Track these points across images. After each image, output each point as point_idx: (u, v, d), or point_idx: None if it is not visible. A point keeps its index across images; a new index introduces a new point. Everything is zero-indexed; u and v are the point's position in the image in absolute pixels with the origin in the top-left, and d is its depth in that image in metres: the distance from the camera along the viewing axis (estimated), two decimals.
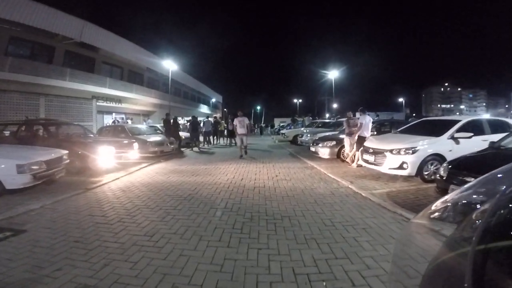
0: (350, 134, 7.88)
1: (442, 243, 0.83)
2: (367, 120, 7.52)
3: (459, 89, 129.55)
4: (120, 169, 7.51)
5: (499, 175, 1.11)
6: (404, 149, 5.67)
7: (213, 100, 54.14)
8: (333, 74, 26.60)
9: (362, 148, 6.81)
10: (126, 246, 3.02)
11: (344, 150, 8.26)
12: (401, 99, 54.86)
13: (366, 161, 6.44)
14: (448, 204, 1.08)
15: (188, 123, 13.82)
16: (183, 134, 14.07)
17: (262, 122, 51.07)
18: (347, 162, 8.02)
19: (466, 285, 0.58)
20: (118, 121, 16.41)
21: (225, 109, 63.96)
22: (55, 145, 6.60)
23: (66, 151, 6.28)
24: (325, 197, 4.82)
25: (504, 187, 0.84)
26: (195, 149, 13.14)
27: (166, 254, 2.81)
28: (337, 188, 5.43)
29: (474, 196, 1.05)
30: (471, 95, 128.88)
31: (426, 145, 5.68)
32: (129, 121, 18.67)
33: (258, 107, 71.73)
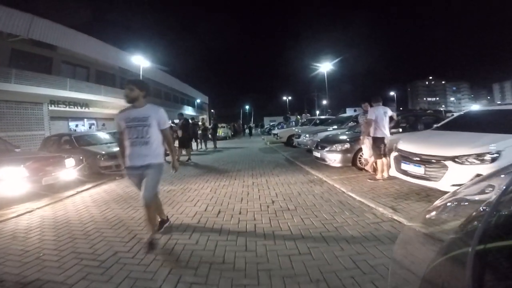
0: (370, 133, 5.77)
1: (441, 243, 0.81)
2: (380, 113, 5.33)
3: (443, 82, 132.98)
4: (45, 195, 5.17)
5: (502, 175, 1.08)
6: (475, 156, 3.53)
7: (198, 101, 51.39)
8: (324, 68, 24.64)
9: (397, 153, 4.65)
10: None
11: (361, 155, 6.11)
12: (392, 93, 53.91)
13: (406, 173, 4.28)
14: (447, 205, 1.09)
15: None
16: None
17: (252, 122, 48.45)
18: (367, 170, 5.89)
19: (466, 285, 0.57)
20: (73, 130, 13.84)
21: (212, 110, 61.30)
22: None
23: None
24: (367, 248, 2.60)
25: (505, 187, 0.82)
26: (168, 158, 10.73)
27: None
28: (377, 223, 3.23)
29: (475, 196, 1.04)
30: (454, 88, 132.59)
31: (509, 148, 3.56)
32: (93, 127, 16.03)
33: (247, 107, 69.06)
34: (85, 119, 21.73)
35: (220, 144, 16.21)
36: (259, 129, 38.50)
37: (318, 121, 13.01)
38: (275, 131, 15.34)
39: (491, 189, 0.97)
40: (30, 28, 14.18)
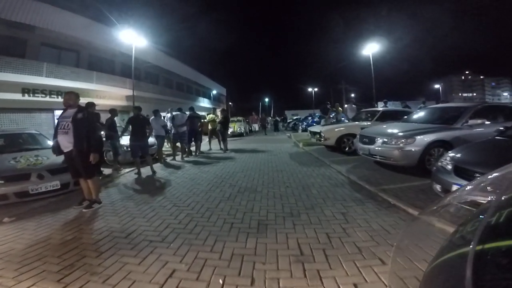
0: None
1: (443, 241, 0.78)
2: None
3: (481, 77, 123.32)
4: None
5: (505, 173, 1.05)
6: None
7: (214, 92, 47.79)
8: (369, 50, 20.01)
9: None
10: None
11: None
12: (437, 86, 47.72)
13: None
14: (453, 201, 1.08)
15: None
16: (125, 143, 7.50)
17: (274, 115, 43.73)
18: None
19: (466, 285, 0.54)
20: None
21: (230, 103, 57.65)
22: None
23: None
24: None
25: (506, 186, 0.81)
26: (146, 170, 6.81)
27: None
28: None
29: (479, 194, 1.03)
30: (493, 83, 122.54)
31: None
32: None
33: (266, 99, 64.66)
34: None
35: (233, 144, 12.22)
36: (280, 124, 33.74)
37: (378, 115, 8.59)
38: (315, 128, 10.28)
39: (492, 188, 0.98)
40: None
